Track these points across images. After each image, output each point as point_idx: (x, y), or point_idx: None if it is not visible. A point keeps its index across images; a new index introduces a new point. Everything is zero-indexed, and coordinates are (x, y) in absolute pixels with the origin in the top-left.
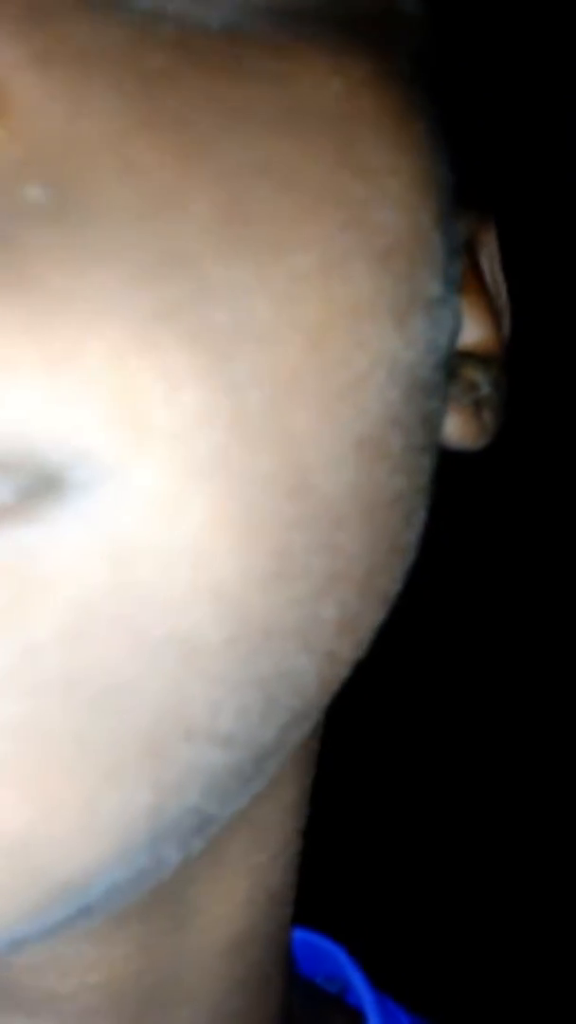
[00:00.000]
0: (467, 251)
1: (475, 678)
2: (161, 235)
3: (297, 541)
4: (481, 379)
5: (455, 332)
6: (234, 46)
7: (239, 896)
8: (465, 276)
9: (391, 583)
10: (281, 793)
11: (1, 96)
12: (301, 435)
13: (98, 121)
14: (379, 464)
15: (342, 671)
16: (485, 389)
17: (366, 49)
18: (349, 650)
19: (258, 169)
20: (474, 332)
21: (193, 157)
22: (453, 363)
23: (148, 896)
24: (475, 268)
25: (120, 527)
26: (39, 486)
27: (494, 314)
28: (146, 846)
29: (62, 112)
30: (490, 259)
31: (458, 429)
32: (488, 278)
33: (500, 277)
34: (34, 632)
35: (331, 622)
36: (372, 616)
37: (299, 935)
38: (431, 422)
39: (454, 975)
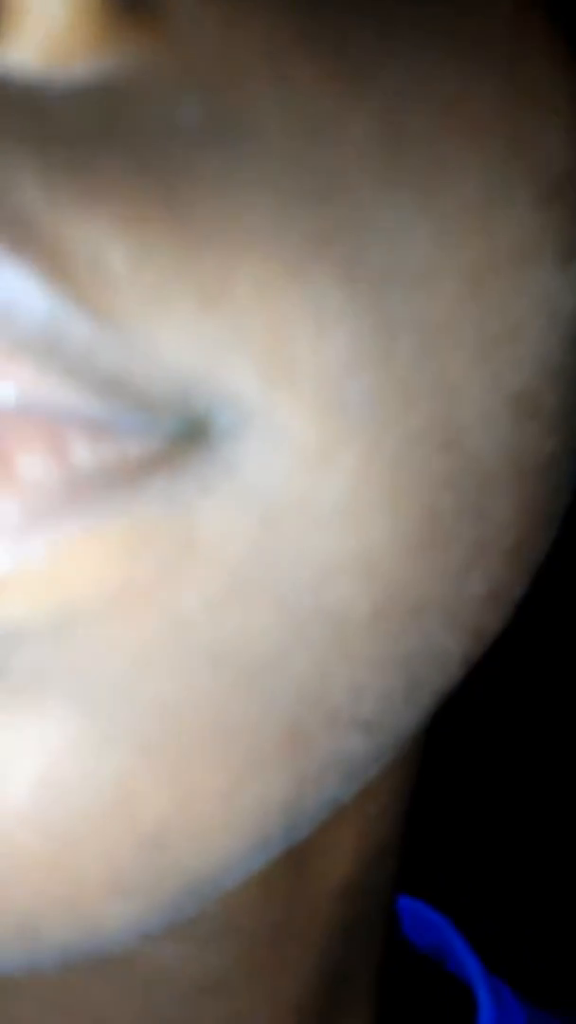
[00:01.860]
0: None
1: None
2: (317, 159)
3: (448, 504)
4: None
5: None
6: None
7: (349, 844)
8: None
9: (537, 553)
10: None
11: (158, 11)
12: (453, 386)
13: (255, 33)
14: (533, 423)
15: (485, 645)
16: None
17: None
18: (494, 624)
19: (420, 92)
20: None
21: (353, 76)
22: None
23: None
24: None
25: (269, 480)
26: (188, 431)
27: None
28: (281, 838)
29: (217, 22)
30: None
31: None
32: None
33: None
34: (186, 601)
35: (478, 596)
36: (517, 587)
37: (405, 903)
38: None
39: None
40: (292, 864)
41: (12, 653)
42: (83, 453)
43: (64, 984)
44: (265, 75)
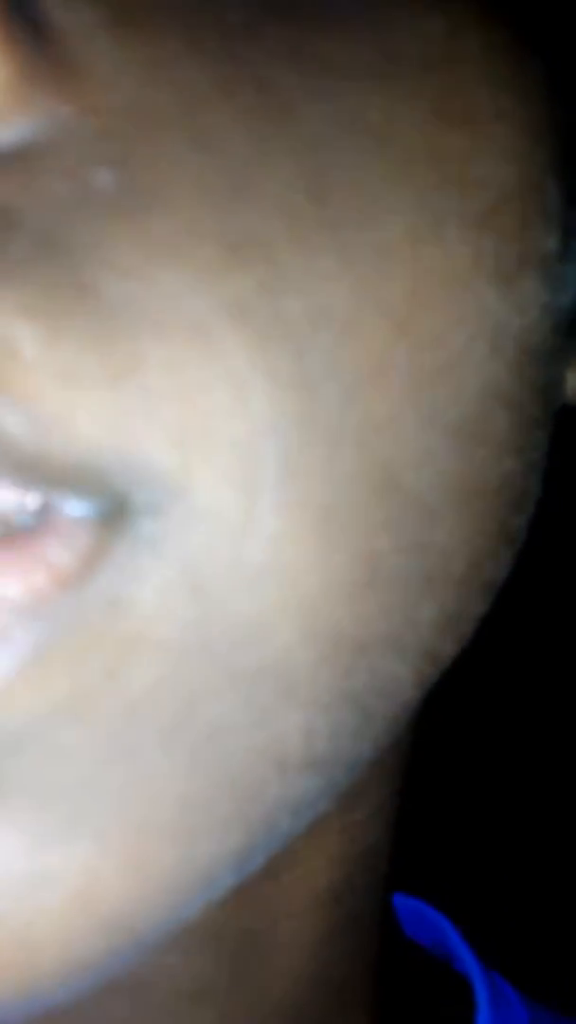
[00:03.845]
0: None
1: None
2: (232, 220)
3: (386, 544)
4: None
5: None
6: None
7: (334, 850)
8: None
9: (496, 571)
10: (379, 758)
11: (73, 67)
12: (385, 428)
13: (172, 88)
14: (480, 449)
15: (443, 666)
16: None
17: None
18: (451, 646)
19: (345, 132)
20: None
21: (273, 124)
22: None
23: None
24: None
25: (194, 553)
26: (110, 512)
27: None
28: (231, 879)
29: (135, 81)
30: None
31: None
32: None
33: None
34: (133, 691)
35: (429, 624)
36: (475, 608)
37: (405, 902)
38: (548, 391)
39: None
40: (267, 875)
41: None
42: (15, 586)
43: None
44: (183, 132)
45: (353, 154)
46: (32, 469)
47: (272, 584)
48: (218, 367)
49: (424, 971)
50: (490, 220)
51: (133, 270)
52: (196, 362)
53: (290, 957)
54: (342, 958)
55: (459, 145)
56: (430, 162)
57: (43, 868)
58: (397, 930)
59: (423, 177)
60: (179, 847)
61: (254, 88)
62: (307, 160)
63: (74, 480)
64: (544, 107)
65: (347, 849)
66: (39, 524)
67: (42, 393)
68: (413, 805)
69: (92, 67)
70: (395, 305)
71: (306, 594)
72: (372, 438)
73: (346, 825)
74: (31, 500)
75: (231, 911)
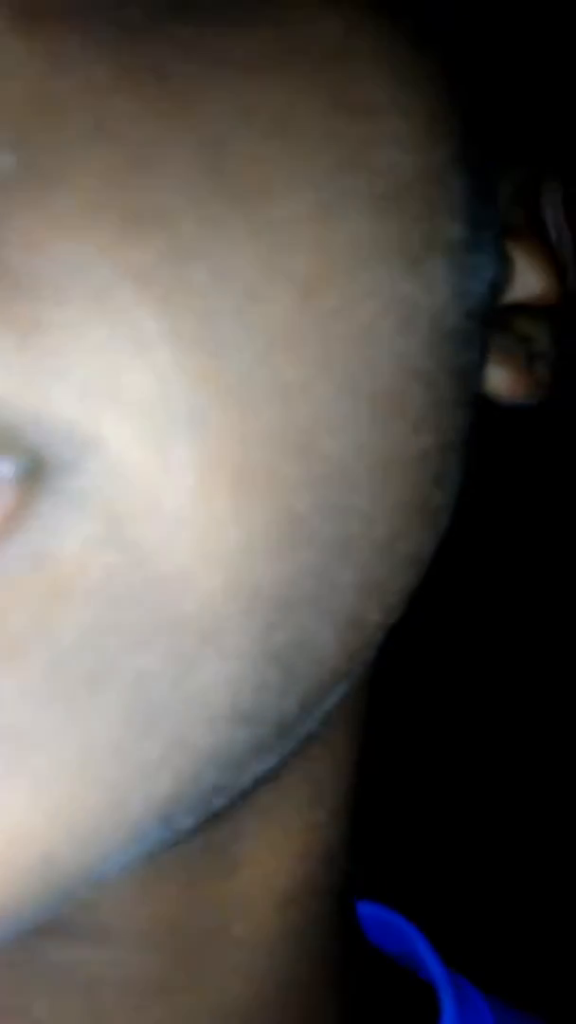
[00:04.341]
0: (522, 200)
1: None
2: (133, 196)
3: (306, 503)
4: (537, 332)
5: (498, 281)
6: None
7: (293, 850)
8: (520, 226)
9: (419, 546)
10: (334, 753)
11: None
12: (299, 391)
13: (73, 78)
14: (397, 421)
15: (370, 637)
16: (541, 343)
17: None
18: (376, 615)
19: (242, 117)
20: (530, 283)
21: (172, 110)
22: (502, 314)
23: (189, 849)
24: (534, 218)
25: (113, 506)
26: (28, 471)
27: (556, 266)
28: (159, 826)
29: (37, 71)
30: (554, 210)
31: (507, 383)
32: (552, 230)
33: (565, 229)
34: (61, 640)
35: (350, 587)
36: (400, 580)
37: (369, 910)
38: (464, 375)
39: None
40: (220, 875)
41: None
42: None
43: (2, 987)
44: (82, 117)
45: (252, 137)
46: None
47: (191, 537)
48: (122, 328)
49: (389, 978)
50: (392, 204)
51: (35, 244)
52: (99, 324)
53: (248, 956)
54: (302, 960)
55: (357, 132)
56: (329, 147)
57: None
58: (360, 936)
59: (323, 160)
60: (108, 792)
61: (154, 78)
62: (206, 141)
63: None
64: (444, 101)
65: (306, 849)
66: None
67: None
68: (376, 809)
69: None
70: (300, 274)
71: (225, 548)
72: (285, 401)
73: (306, 824)
74: None
75: (187, 908)
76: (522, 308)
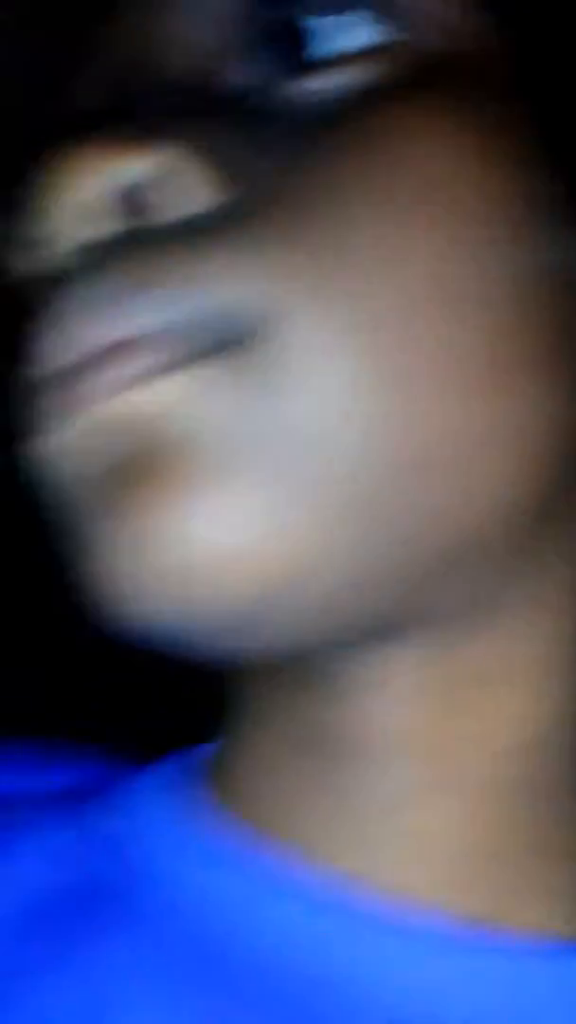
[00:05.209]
0: None
1: None
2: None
3: (465, 387)
4: None
5: None
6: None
7: (542, 670)
8: None
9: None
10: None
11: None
12: (459, 304)
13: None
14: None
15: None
16: None
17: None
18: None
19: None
20: None
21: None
22: None
23: (449, 661)
24: None
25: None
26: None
27: None
28: (362, 587)
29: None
30: None
31: None
32: None
33: None
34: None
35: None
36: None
37: None
38: None
39: None
40: (479, 686)
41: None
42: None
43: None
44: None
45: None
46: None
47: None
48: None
49: None
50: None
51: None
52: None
53: (504, 768)
54: (552, 780)
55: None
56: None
57: (266, 530)
58: None
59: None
60: (346, 533)
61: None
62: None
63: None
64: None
65: (554, 672)
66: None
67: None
68: None
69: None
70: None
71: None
72: (453, 311)
73: (533, 688)
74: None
75: (447, 718)
76: None
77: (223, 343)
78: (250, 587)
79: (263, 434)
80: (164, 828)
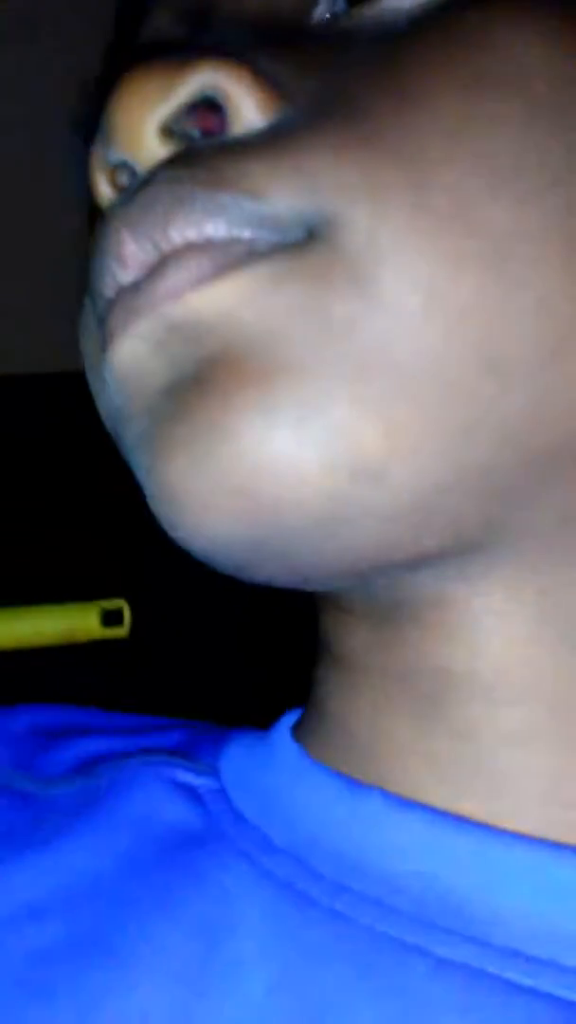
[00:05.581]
0: None
1: None
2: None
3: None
4: None
5: None
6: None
7: None
8: None
9: None
10: None
11: None
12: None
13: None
14: None
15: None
16: None
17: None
18: None
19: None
20: None
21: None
22: None
23: (554, 604)
24: None
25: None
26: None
27: None
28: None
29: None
30: None
31: None
32: None
33: None
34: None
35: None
36: None
37: None
38: None
39: None
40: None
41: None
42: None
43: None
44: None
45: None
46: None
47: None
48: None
49: None
50: None
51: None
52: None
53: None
54: None
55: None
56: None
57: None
58: None
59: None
60: (431, 431)
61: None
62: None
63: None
64: None
65: None
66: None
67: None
68: None
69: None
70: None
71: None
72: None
73: None
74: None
75: (559, 662)
76: None
77: (289, 243)
78: (332, 489)
79: (335, 332)
80: (266, 775)
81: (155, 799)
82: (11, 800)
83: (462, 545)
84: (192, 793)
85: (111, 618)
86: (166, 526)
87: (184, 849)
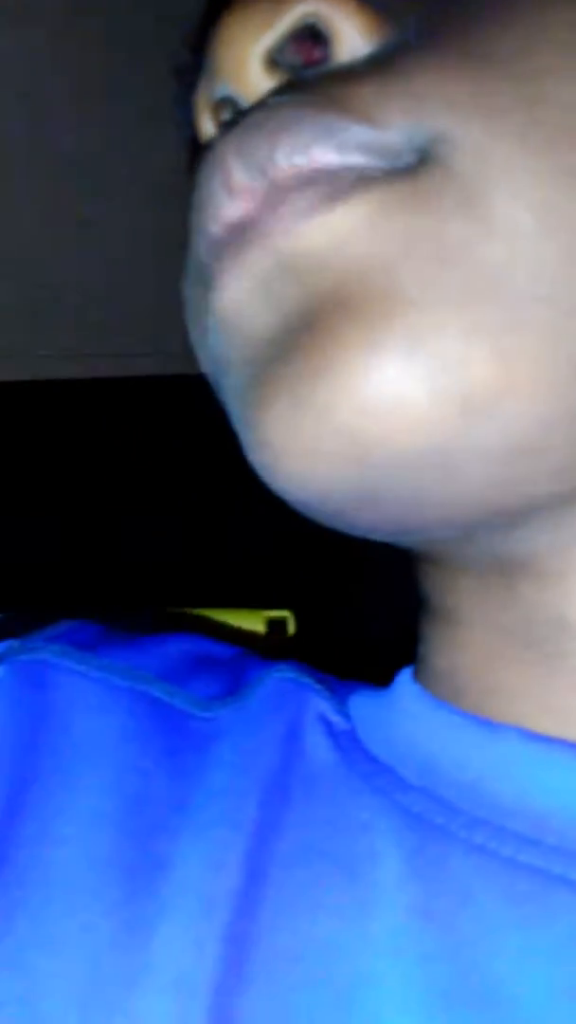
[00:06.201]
0: None
1: None
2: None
3: None
4: None
5: None
6: None
7: None
8: None
9: None
10: None
11: None
12: None
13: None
14: None
15: None
16: None
17: None
18: None
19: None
20: None
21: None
22: None
23: None
24: None
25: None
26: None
27: None
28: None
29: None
30: None
31: None
32: None
33: None
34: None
35: None
36: None
37: None
38: None
39: None
40: None
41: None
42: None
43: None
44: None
45: None
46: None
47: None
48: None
49: None
50: None
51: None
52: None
53: None
54: None
55: None
56: None
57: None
58: None
59: None
60: (544, 365)
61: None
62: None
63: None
64: None
65: None
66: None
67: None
68: None
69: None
70: None
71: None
72: None
73: None
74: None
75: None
76: None
77: (400, 168)
78: (441, 424)
79: (448, 258)
80: (396, 717)
81: (300, 726)
82: (168, 719)
83: (567, 489)
84: (330, 728)
85: (276, 628)
86: (264, 476)
87: (322, 782)
